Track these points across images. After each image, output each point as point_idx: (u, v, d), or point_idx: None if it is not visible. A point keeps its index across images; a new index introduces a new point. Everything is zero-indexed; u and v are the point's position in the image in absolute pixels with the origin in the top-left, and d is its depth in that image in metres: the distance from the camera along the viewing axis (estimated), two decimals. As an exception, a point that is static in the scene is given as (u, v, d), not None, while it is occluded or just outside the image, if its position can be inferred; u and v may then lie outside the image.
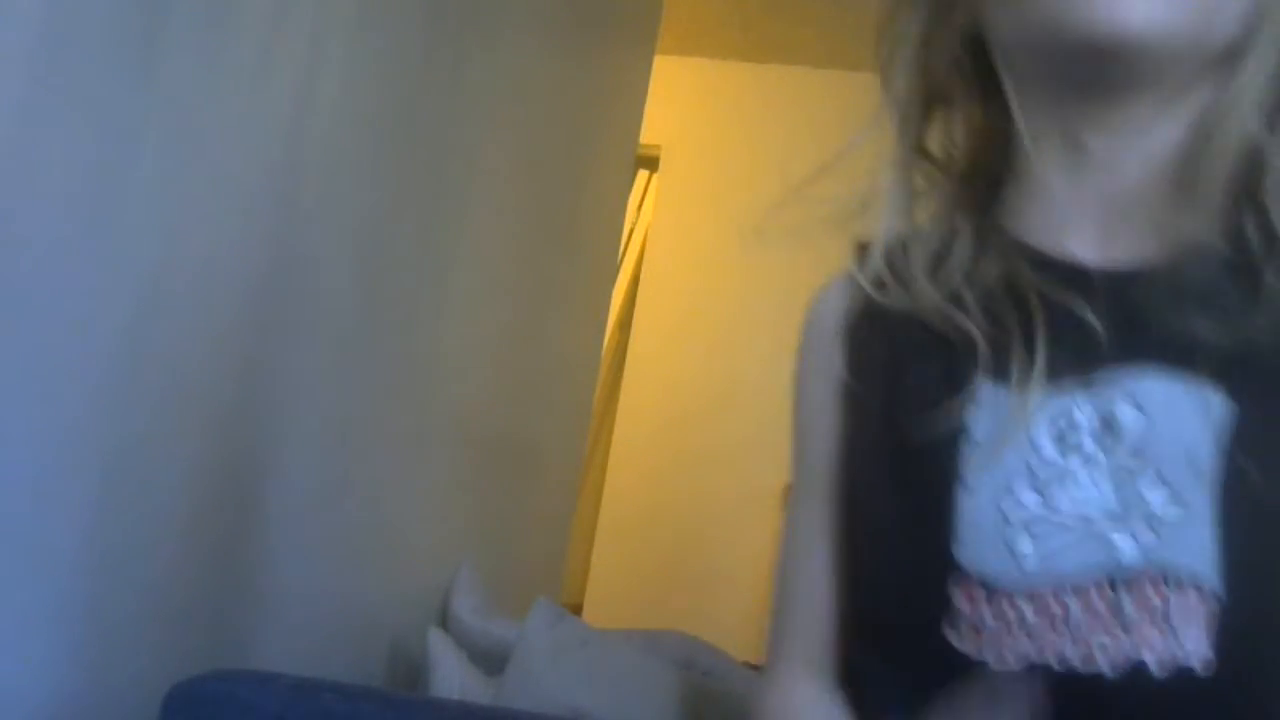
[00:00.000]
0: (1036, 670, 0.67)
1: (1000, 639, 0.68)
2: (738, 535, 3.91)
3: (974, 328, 0.73)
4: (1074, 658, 0.67)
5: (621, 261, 4.22)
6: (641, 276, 4.42)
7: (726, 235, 4.19)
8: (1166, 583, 0.66)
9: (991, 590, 0.69)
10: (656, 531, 4.10)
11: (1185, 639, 0.65)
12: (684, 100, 4.17)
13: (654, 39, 3.17)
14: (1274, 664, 0.65)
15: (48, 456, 1.18)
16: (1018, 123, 0.74)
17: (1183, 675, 0.65)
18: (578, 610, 3.68)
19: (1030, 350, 0.71)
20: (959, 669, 0.69)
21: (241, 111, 1.40)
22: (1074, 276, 0.72)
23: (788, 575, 0.84)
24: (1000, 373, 0.72)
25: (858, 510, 0.78)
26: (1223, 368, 0.67)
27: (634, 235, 4.62)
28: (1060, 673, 0.67)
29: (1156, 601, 0.66)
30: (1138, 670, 0.65)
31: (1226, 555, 0.65)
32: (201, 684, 1.22)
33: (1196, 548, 0.66)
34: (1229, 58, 0.69)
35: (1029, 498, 0.70)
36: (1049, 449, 0.70)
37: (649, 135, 3.30)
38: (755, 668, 2.21)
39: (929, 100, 0.79)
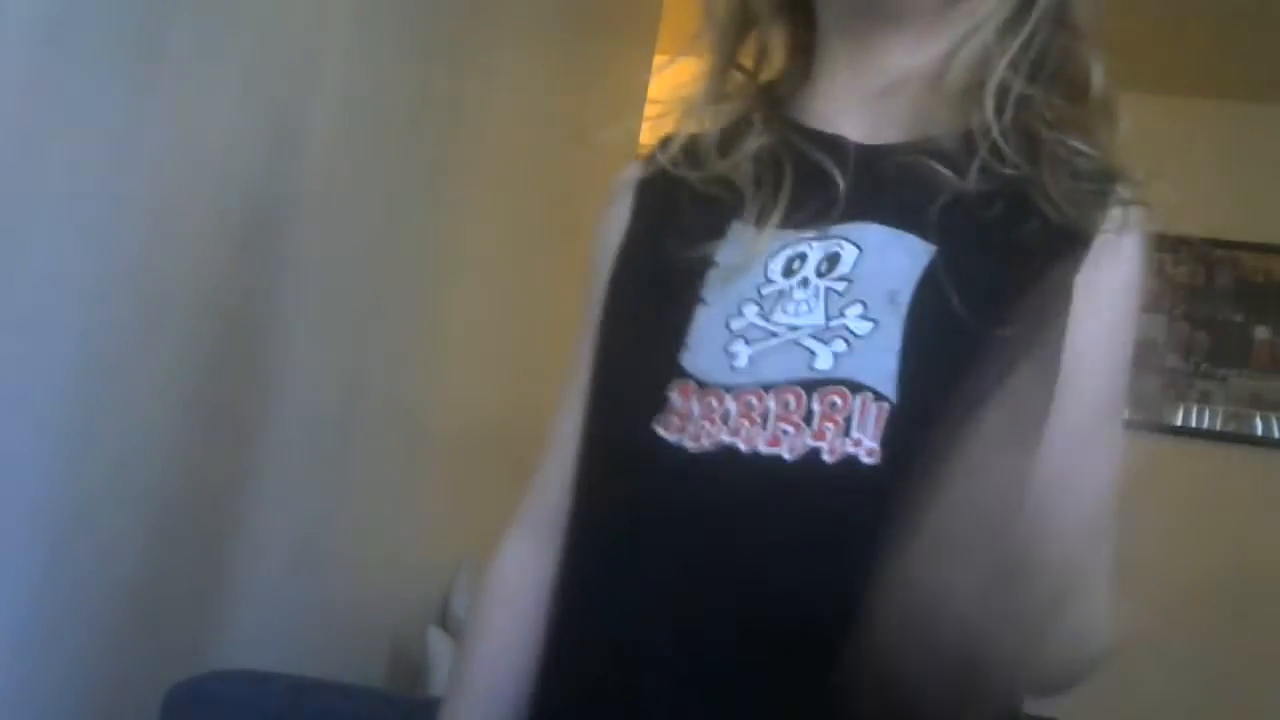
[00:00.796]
0: (724, 450, 0.78)
1: (700, 426, 0.79)
2: (738, 535, 3.90)
3: (739, 180, 0.85)
4: (759, 442, 0.78)
5: (621, 261, 4.20)
6: (641, 276, 4.41)
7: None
8: (850, 388, 0.78)
9: (704, 387, 0.80)
10: (656, 531, 4.09)
11: (858, 434, 0.77)
12: (684, 100, 4.16)
13: (654, 39, 3.17)
14: (930, 455, 0.73)
15: (46, 456, 1.18)
16: (820, 29, 0.90)
17: (850, 463, 0.77)
18: (578, 610, 3.67)
19: (778, 197, 0.84)
20: (658, 458, 0.80)
21: (241, 113, 1.40)
22: (832, 145, 0.85)
23: (548, 433, 0.96)
24: (752, 216, 0.84)
25: (608, 335, 0.90)
26: (935, 223, 0.80)
27: (634, 235, 4.61)
28: (746, 453, 0.78)
29: (839, 402, 0.78)
30: (812, 455, 0.77)
31: (904, 367, 0.78)
32: (201, 684, 1.22)
33: (879, 360, 0.78)
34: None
35: (751, 310, 0.81)
36: (777, 276, 0.82)
37: (649, 135, 3.29)
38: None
39: (744, 23, 0.92)
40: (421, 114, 1.86)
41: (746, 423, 0.79)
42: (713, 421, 0.79)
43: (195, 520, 1.42)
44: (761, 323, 0.81)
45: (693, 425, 0.80)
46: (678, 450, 0.80)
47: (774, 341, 0.80)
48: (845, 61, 0.88)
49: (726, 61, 0.92)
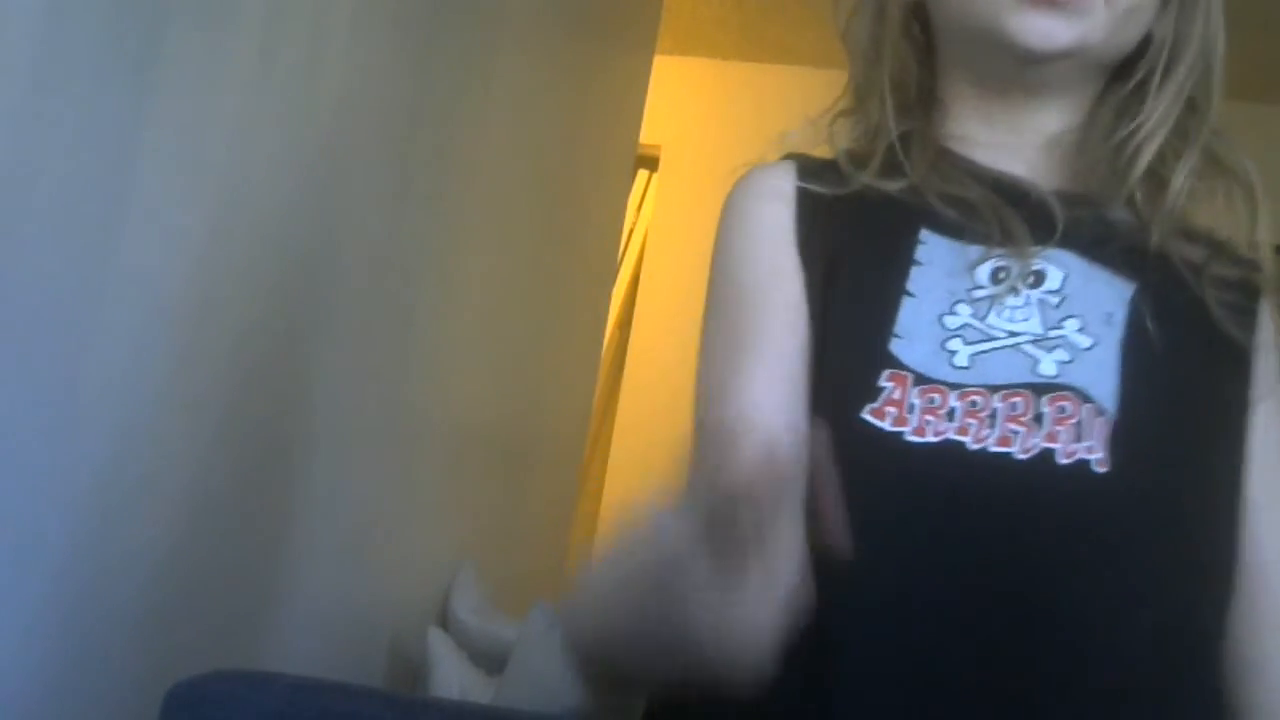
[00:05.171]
0: (951, 445, 0.78)
1: (923, 420, 0.79)
2: (738, 535, 3.90)
3: (927, 192, 0.86)
4: (989, 439, 0.78)
5: (621, 261, 4.21)
6: (641, 276, 4.41)
7: (726, 235, 4.17)
8: (1078, 396, 0.79)
9: (923, 380, 0.79)
10: (656, 531, 4.09)
11: (1087, 441, 0.78)
12: (684, 100, 4.17)
13: (654, 39, 3.17)
14: (1153, 468, 0.79)
15: (48, 456, 1.18)
16: (948, 79, 0.92)
17: (1082, 467, 0.77)
18: (578, 610, 3.67)
19: (974, 213, 0.85)
20: (874, 447, 0.78)
21: (241, 115, 1.40)
22: (1015, 182, 0.87)
23: (716, 406, 0.88)
24: (946, 228, 0.85)
25: (816, 321, 0.86)
26: (1126, 263, 0.84)
27: (634, 235, 4.61)
28: (973, 449, 0.78)
29: (1068, 408, 0.79)
30: (1045, 455, 0.77)
31: (1122, 385, 0.80)
32: (201, 684, 1.22)
33: (1100, 374, 0.80)
34: (1122, 66, 0.89)
35: (966, 311, 0.82)
36: (985, 281, 0.83)
37: (649, 135, 3.29)
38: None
39: (876, 59, 0.94)
40: (421, 114, 1.86)
41: (973, 421, 0.78)
42: (936, 416, 0.79)
43: (196, 523, 1.42)
44: (978, 324, 0.81)
45: (913, 417, 0.79)
46: (894, 439, 0.78)
47: (993, 344, 0.81)
48: (980, 113, 0.91)
49: (867, 91, 0.94)
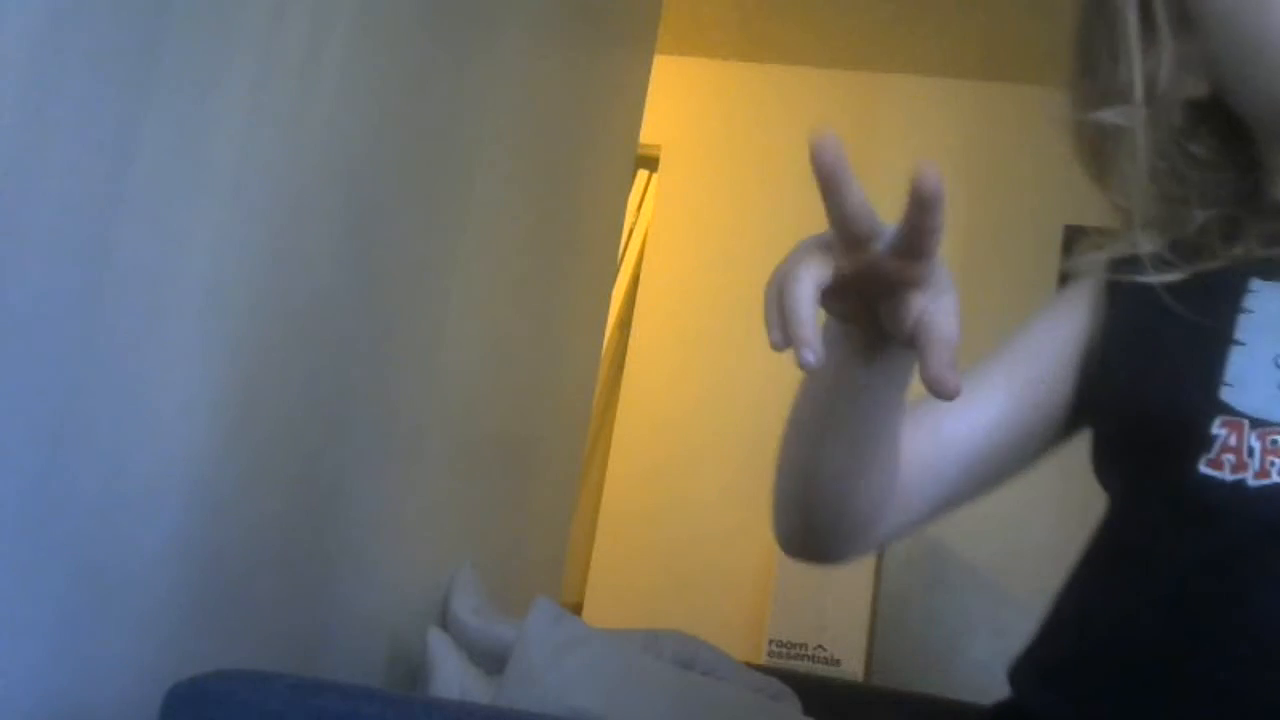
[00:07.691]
0: None
1: (1266, 462, 0.77)
2: (738, 535, 3.91)
3: (1258, 248, 0.86)
4: None
5: (621, 261, 4.22)
6: (641, 276, 4.42)
7: (726, 235, 4.19)
8: None
9: (1259, 424, 0.78)
10: (656, 531, 4.10)
11: None
12: (684, 100, 4.17)
13: (654, 39, 3.17)
14: None
15: (46, 457, 1.18)
16: (1269, 158, 0.90)
17: None
18: (578, 610, 3.68)
19: None
20: (1216, 499, 0.78)
21: (241, 114, 1.40)
22: None
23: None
24: (1277, 274, 0.84)
25: (1128, 375, 0.88)
26: None
27: (634, 235, 4.61)
28: None
29: None
30: None
31: None
32: (201, 684, 1.22)
33: None
34: None
35: None
36: None
37: (649, 135, 3.29)
38: (756, 668, 2.20)
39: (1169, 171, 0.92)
40: (420, 114, 1.86)
41: None
42: (1278, 456, 0.77)
43: (193, 523, 1.42)
44: None
45: (1253, 461, 0.77)
46: (1235, 487, 0.78)
47: None
48: None
49: (1177, 161, 0.92)
